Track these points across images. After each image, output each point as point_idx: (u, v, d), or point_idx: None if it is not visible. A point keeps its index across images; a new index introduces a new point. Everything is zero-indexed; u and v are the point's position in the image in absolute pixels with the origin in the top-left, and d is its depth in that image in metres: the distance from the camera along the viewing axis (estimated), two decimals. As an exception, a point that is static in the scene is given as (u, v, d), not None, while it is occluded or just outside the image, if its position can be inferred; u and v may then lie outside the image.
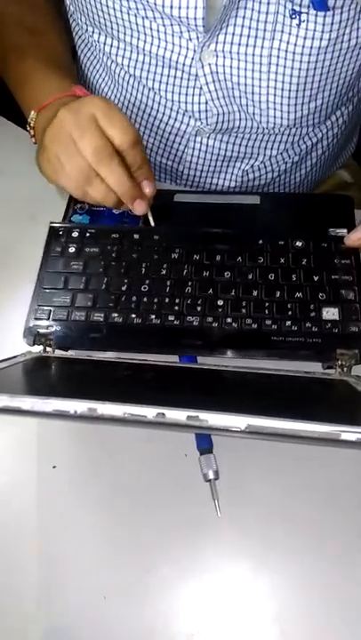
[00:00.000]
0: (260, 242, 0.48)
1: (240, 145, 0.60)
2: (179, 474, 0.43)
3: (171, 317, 0.45)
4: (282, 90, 0.53)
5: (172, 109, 0.58)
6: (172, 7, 0.47)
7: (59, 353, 0.46)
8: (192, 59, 0.52)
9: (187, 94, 0.56)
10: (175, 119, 0.59)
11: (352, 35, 0.49)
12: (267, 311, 0.45)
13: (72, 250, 0.49)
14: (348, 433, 0.27)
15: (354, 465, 0.42)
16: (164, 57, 0.53)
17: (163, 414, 0.28)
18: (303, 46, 0.49)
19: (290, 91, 0.53)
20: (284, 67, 0.51)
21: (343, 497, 0.41)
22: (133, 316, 0.45)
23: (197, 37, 0.50)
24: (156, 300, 0.46)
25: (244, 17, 0.48)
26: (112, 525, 0.42)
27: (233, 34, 0.49)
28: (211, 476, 0.41)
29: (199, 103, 0.56)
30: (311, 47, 0.49)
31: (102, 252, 0.49)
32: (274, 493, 0.42)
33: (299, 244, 0.48)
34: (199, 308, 0.45)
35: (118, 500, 0.42)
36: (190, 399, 0.31)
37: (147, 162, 0.46)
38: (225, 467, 0.42)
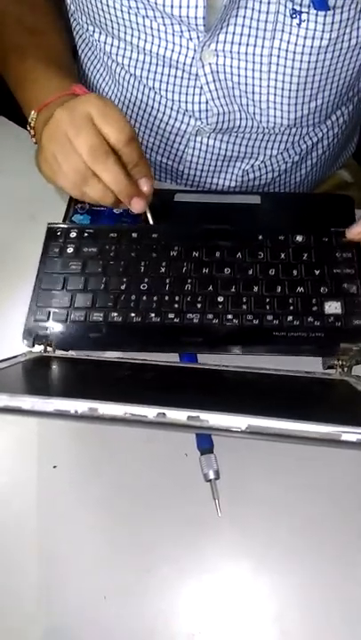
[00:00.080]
0: (260, 237, 0.48)
1: (240, 145, 0.60)
2: (179, 474, 0.43)
3: (171, 315, 0.45)
4: (282, 89, 0.53)
5: (172, 109, 0.58)
6: (172, 6, 0.47)
7: (59, 353, 0.46)
8: (192, 58, 0.52)
9: (187, 94, 0.56)
10: (175, 119, 0.59)
11: (352, 34, 0.49)
12: (268, 306, 0.44)
13: (70, 250, 0.49)
14: (349, 433, 0.27)
15: (354, 465, 0.42)
16: (164, 56, 0.53)
17: (163, 414, 0.28)
18: (304, 46, 0.49)
19: (290, 90, 0.53)
20: (285, 66, 0.51)
21: (344, 497, 0.41)
22: (133, 314, 0.45)
23: (198, 37, 0.49)
24: (155, 299, 0.46)
25: (244, 16, 0.48)
26: (112, 525, 0.42)
27: (233, 33, 0.49)
28: (211, 475, 0.41)
29: (199, 103, 0.56)
30: (312, 47, 0.49)
31: (101, 251, 0.48)
32: (274, 493, 0.41)
33: (299, 238, 0.48)
34: (199, 305, 0.45)
35: (119, 500, 0.42)
36: (191, 399, 0.31)
37: (144, 159, 0.46)
38: (225, 467, 0.42)
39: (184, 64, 0.53)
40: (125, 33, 0.53)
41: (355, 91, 0.59)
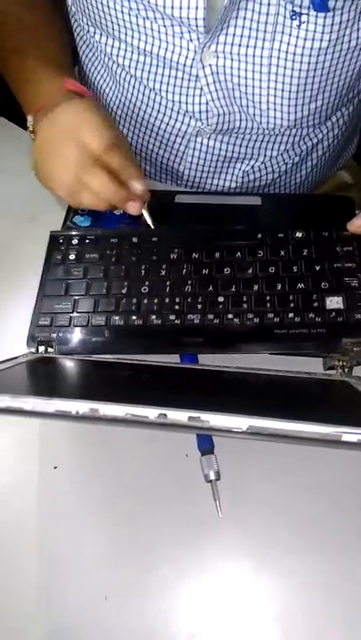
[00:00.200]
0: (260, 236, 0.48)
1: (240, 146, 0.60)
2: (180, 474, 0.43)
3: (171, 317, 0.45)
4: (282, 91, 0.53)
5: (172, 110, 0.58)
6: (172, 8, 0.47)
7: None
8: (193, 59, 0.52)
9: (187, 95, 0.56)
10: (176, 120, 0.59)
11: (352, 36, 0.49)
12: (268, 304, 0.44)
13: (72, 257, 0.49)
14: (350, 434, 0.27)
15: (355, 465, 0.42)
16: (164, 58, 0.53)
17: (164, 415, 0.28)
18: (303, 47, 0.49)
19: (290, 92, 0.53)
20: (285, 67, 0.51)
21: (344, 497, 0.41)
22: (134, 317, 0.45)
23: (198, 38, 0.50)
24: (156, 301, 0.46)
25: (244, 18, 0.48)
26: (112, 525, 0.42)
27: (233, 35, 0.49)
28: (212, 476, 0.41)
29: (200, 104, 0.56)
30: (311, 48, 0.49)
31: (102, 256, 0.49)
32: (275, 494, 0.42)
33: (299, 234, 0.48)
34: (200, 306, 0.45)
35: (119, 500, 0.42)
36: (192, 400, 0.31)
37: (132, 162, 0.46)
38: (226, 467, 0.42)
39: (184, 65, 0.53)
40: (126, 34, 0.53)
41: (355, 92, 0.59)
